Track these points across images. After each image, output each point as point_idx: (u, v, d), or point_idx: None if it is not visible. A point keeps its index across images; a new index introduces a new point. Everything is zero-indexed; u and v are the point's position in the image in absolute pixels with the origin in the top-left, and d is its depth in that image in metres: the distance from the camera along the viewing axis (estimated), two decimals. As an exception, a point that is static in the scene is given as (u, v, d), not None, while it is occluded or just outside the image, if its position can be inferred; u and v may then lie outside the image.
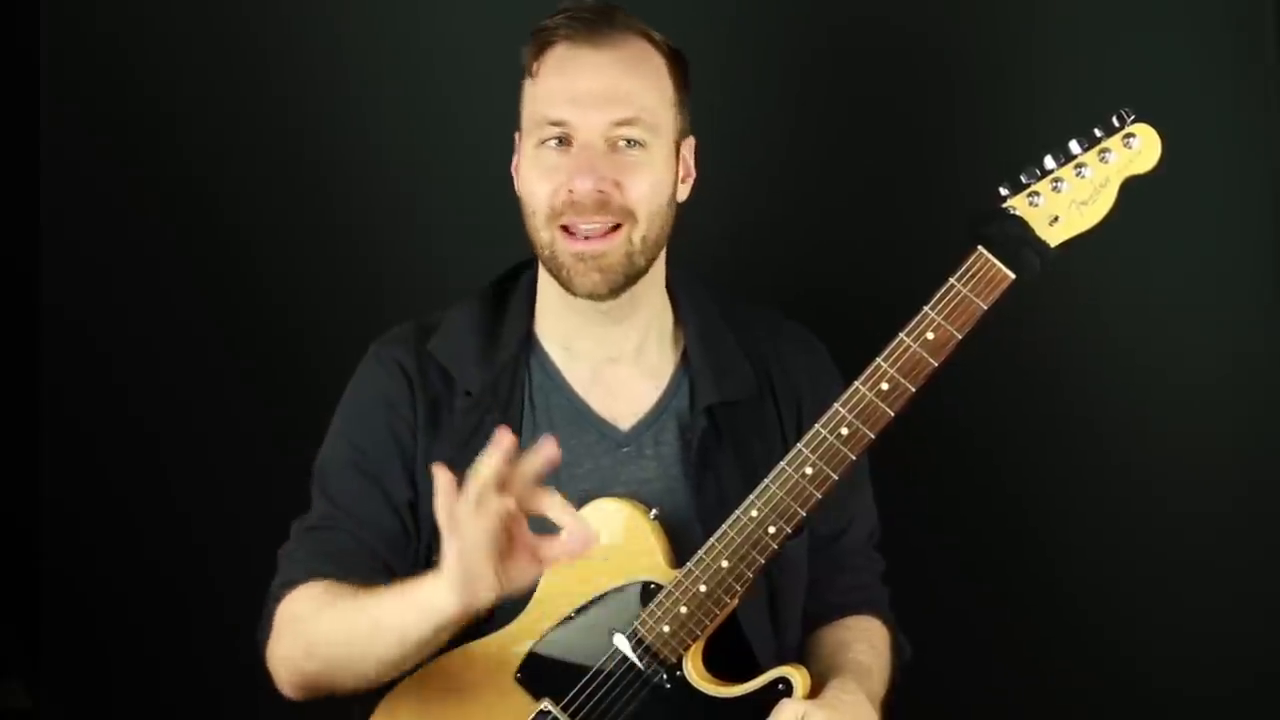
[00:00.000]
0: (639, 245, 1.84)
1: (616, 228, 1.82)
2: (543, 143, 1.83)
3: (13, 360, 2.62)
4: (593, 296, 1.84)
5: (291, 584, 1.83)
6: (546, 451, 1.59)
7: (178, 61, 2.58)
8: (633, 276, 1.85)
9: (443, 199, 2.57)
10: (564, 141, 1.82)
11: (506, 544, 1.59)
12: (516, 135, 1.90)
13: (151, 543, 2.61)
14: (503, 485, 1.57)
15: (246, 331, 2.59)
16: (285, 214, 2.59)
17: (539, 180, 1.83)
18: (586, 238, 1.82)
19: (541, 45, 1.85)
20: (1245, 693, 2.46)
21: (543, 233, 1.84)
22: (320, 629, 1.77)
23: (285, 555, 1.88)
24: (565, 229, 1.82)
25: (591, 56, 1.83)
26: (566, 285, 1.84)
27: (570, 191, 1.81)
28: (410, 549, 1.88)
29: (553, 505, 1.58)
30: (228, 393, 2.59)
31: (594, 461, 1.88)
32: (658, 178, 1.85)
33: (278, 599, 1.83)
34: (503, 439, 1.57)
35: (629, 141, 1.82)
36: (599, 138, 1.81)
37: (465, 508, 1.56)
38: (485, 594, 1.61)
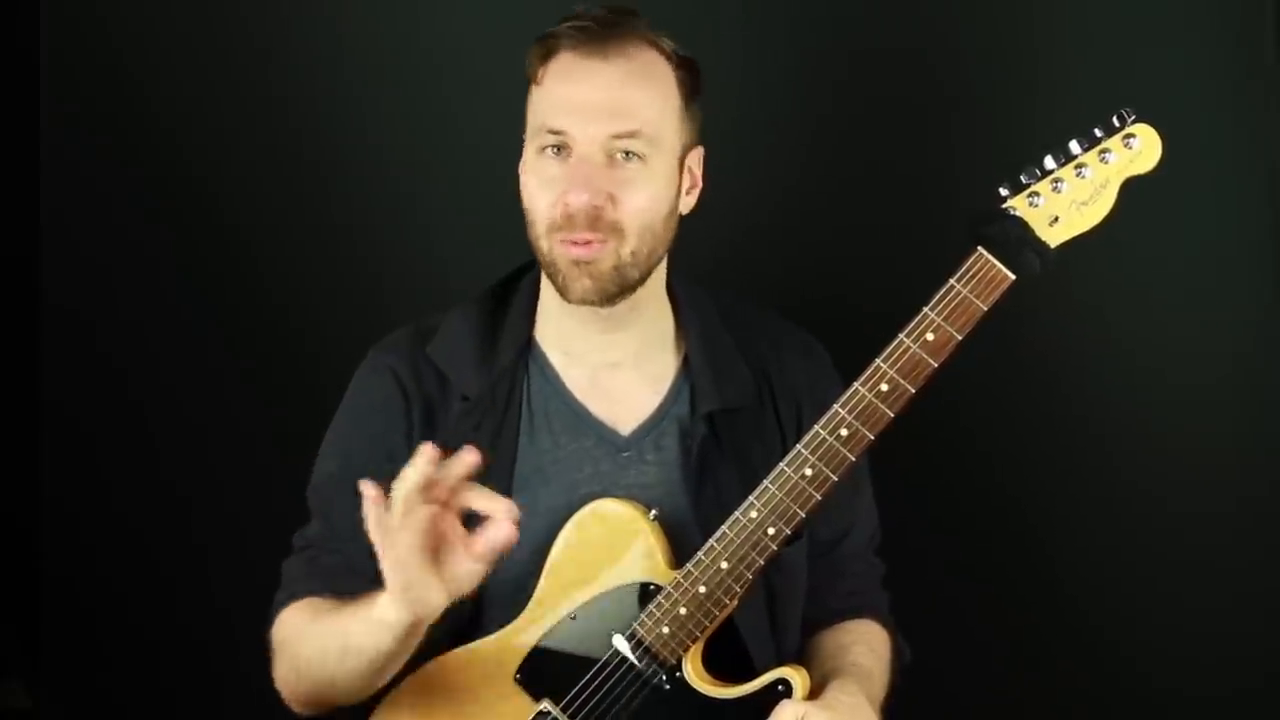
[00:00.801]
0: (628, 259, 1.82)
1: (604, 240, 1.81)
2: (542, 150, 1.82)
3: (13, 360, 2.62)
4: (585, 302, 1.83)
5: (284, 605, 1.87)
6: (468, 459, 1.60)
7: (178, 61, 2.58)
8: (627, 286, 1.84)
9: (443, 199, 2.56)
10: (562, 150, 1.81)
11: (442, 548, 1.61)
12: (525, 138, 1.89)
13: (151, 542, 2.61)
14: (429, 491, 1.59)
15: (246, 331, 2.59)
16: (285, 214, 2.59)
17: (538, 189, 1.82)
18: (584, 244, 1.80)
19: (547, 51, 1.83)
20: (1246, 693, 2.45)
21: (542, 241, 1.83)
22: (304, 651, 1.80)
23: (284, 572, 1.91)
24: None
25: (596, 66, 1.81)
26: (562, 291, 1.83)
27: (565, 204, 1.79)
28: None
29: (476, 497, 1.61)
30: (228, 393, 2.59)
31: (594, 466, 1.88)
32: (655, 192, 1.83)
33: (273, 621, 1.87)
34: (426, 450, 1.59)
35: (627, 154, 1.81)
36: (598, 150, 1.80)
37: (393, 519, 1.58)
38: (429, 601, 1.62)
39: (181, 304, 2.60)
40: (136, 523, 2.61)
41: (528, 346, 1.92)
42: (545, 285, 1.91)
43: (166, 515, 2.60)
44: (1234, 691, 2.45)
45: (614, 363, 1.91)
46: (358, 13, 2.56)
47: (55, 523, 2.63)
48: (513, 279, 1.97)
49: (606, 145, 1.80)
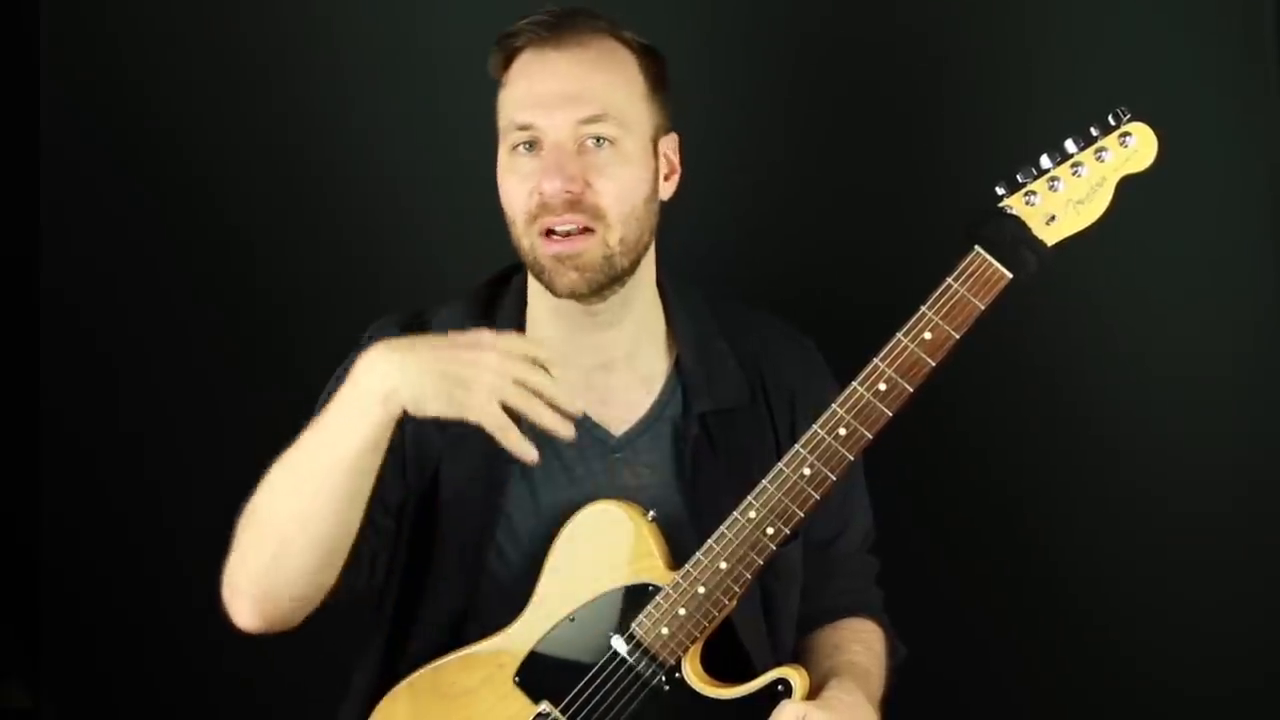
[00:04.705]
0: (616, 247, 1.82)
1: (589, 230, 1.81)
2: (514, 148, 1.83)
3: (13, 361, 2.62)
4: (574, 295, 1.82)
5: None
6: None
7: (177, 61, 2.59)
8: (616, 276, 1.84)
9: (441, 199, 2.56)
10: (534, 145, 1.82)
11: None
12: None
13: (151, 543, 2.61)
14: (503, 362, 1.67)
15: (246, 332, 2.60)
16: (284, 214, 2.59)
17: (514, 186, 1.83)
18: (564, 237, 1.81)
19: (508, 53, 1.86)
20: (1246, 692, 2.45)
21: (523, 239, 1.83)
22: (265, 495, 1.75)
23: None
24: (545, 232, 1.81)
25: (555, 58, 1.83)
26: (549, 286, 1.83)
27: (540, 194, 1.80)
28: (390, 544, 1.86)
29: (542, 412, 1.68)
30: (226, 394, 2.59)
31: (586, 467, 1.88)
32: (631, 175, 1.83)
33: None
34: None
35: (598, 140, 1.81)
36: (567, 138, 1.81)
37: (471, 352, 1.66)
38: (428, 390, 1.66)
39: (181, 304, 2.61)
40: (136, 523, 2.61)
41: (517, 348, 1.92)
42: (534, 286, 1.90)
43: (166, 516, 2.60)
44: (1234, 691, 2.45)
45: (606, 363, 1.90)
46: (357, 14, 2.56)
47: (55, 523, 2.64)
48: (501, 279, 1.97)
49: (575, 132, 1.81)
